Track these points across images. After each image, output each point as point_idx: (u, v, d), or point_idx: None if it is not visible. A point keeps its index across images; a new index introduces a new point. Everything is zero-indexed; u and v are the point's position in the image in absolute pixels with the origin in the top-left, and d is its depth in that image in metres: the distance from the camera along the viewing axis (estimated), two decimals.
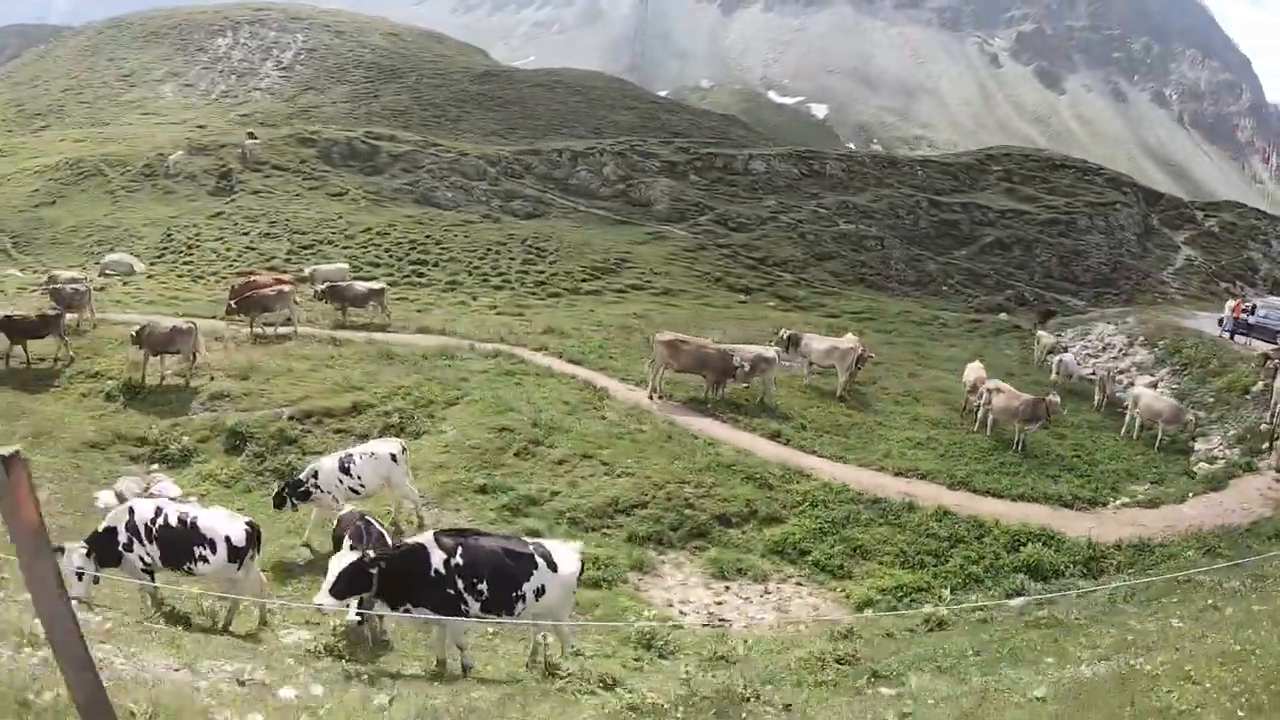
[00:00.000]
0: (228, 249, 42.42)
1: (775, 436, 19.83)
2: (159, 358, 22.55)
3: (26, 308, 25.77)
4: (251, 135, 58.37)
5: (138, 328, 22.99)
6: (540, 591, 9.23)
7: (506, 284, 37.70)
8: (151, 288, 35.73)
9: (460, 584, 8.79)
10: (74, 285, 29.06)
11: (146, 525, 10.55)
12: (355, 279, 33.04)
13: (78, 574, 10.08)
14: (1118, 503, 18.98)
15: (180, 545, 10.55)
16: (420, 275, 38.19)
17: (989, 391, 23.15)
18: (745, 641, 10.79)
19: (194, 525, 10.62)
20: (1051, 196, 61.86)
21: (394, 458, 15.02)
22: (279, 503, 14.48)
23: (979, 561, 15.31)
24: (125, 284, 36.09)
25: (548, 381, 21.68)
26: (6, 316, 23.78)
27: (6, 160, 64.24)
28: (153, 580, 10.71)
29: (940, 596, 13.41)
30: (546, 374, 22.28)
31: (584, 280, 38.60)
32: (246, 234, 44.52)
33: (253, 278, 30.91)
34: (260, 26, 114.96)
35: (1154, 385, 27.88)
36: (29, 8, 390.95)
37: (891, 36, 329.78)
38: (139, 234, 45.15)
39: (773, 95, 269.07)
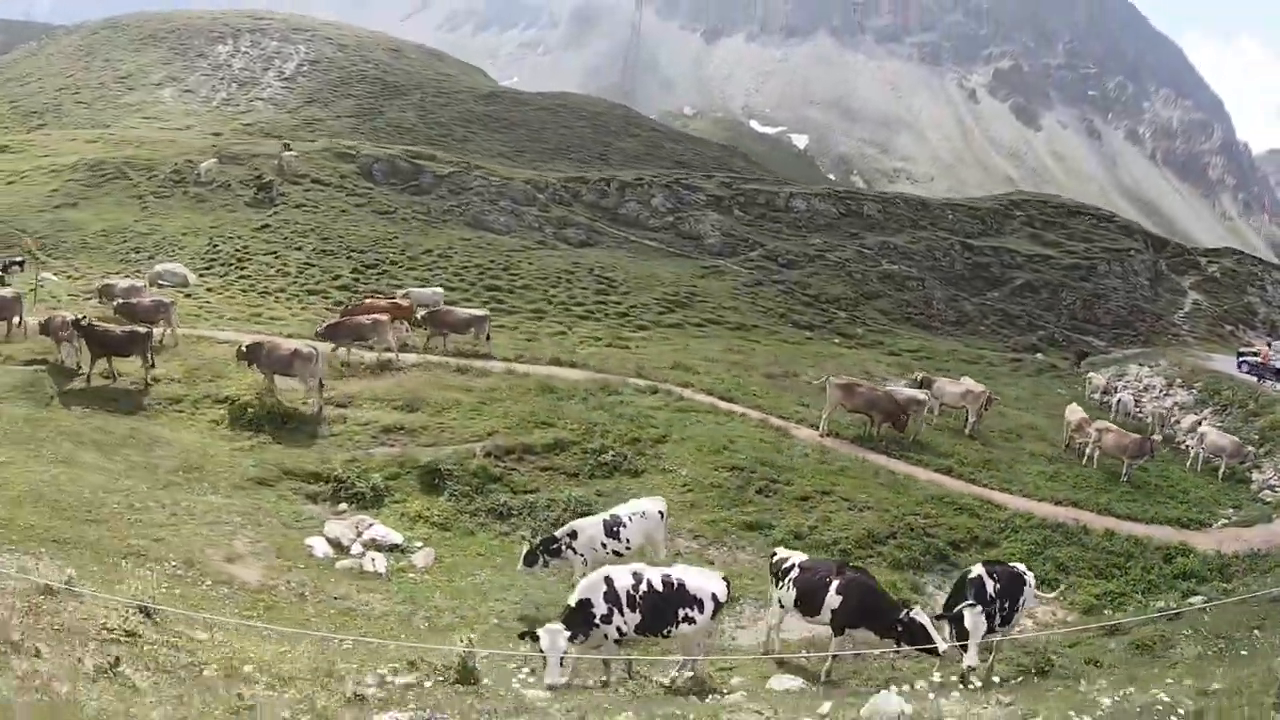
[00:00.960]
0: (284, 264, 42.55)
1: (949, 472, 21.66)
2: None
3: (103, 319, 25.19)
4: (287, 146, 59.02)
5: (247, 344, 22.81)
6: (1023, 605, 10.99)
7: (590, 315, 38.48)
8: (219, 302, 35.77)
9: (997, 605, 10.51)
10: (155, 298, 28.52)
11: (629, 593, 10.35)
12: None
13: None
14: (1219, 523, 21.68)
15: (666, 609, 10.45)
16: (500, 302, 38.61)
17: (1099, 431, 25.48)
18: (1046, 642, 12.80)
19: (681, 587, 10.53)
20: (1071, 242, 64.67)
21: (661, 515, 15.10)
22: (531, 560, 14.34)
23: (1150, 571, 17.84)
24: (187, 296, 35.67)
25: (724, 420, 22.70)
26: (90, 325, 22.80)
27: (17, 158, 64.33)
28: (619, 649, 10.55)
29: (1136, 598, 15.98)
30: (716, 411, 23.30)
31: (662, 313, 39.76)
32: (299, 249, 44.90)
33: (366, 300, 30.81)
34: (261, 36, 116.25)
35: (1199, 423, 30.54)
36: (12, 4, 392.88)
37: (872, 70, 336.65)
38: (179, 242, 45.48)
39: (754, 124, 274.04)
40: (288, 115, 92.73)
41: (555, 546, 14.29)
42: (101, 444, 18.90)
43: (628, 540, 14.48)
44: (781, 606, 12.28)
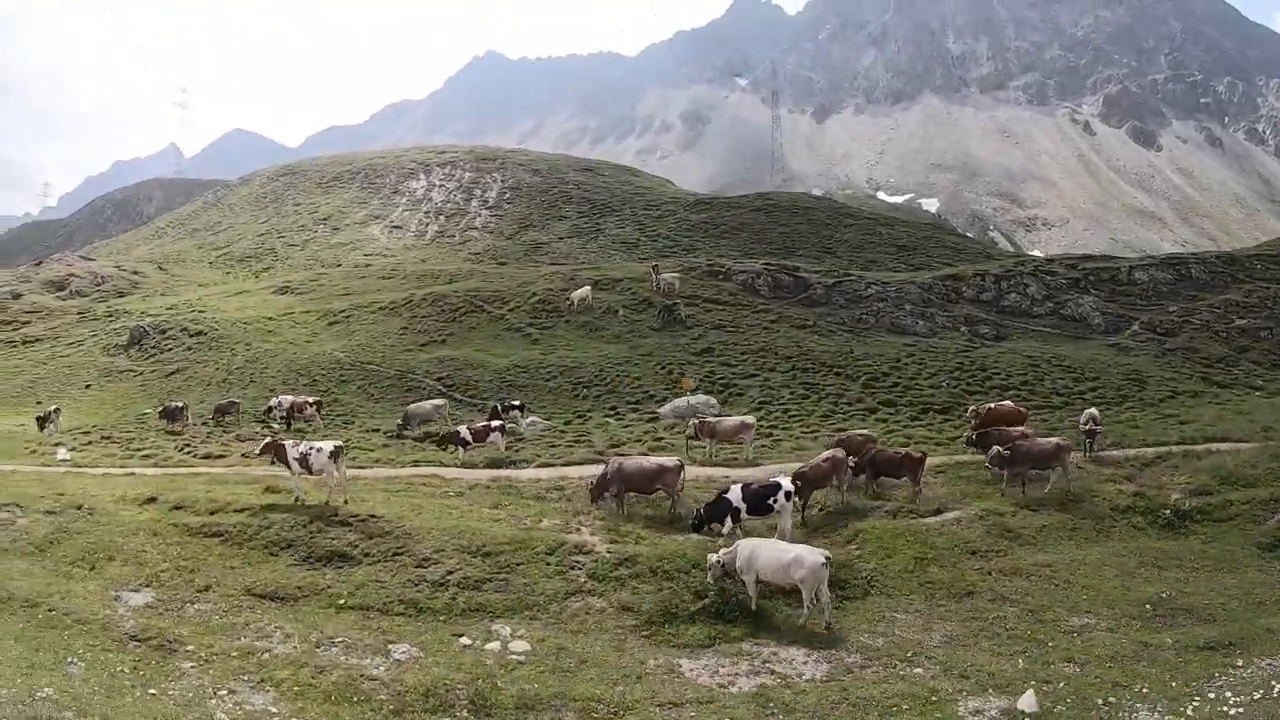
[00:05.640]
0: (789, 387, 45.02)
1: None
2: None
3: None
4: (655, 268, 62.11)
5: (1005, 450, 25.35)
6: None
7: (1098, 401, 42.44)
8: (796, 426, 37.81)
9: None
10: (739, 418, 32.19)
11: None
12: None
13: None
14: None
15: None
16: (1025, 399, 41.98)
17: None
18: None
19: None
20: None
21: None
22: None
23: None
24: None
25: None
26: (877, 453, 25.70)
27: (313, 299, 70.16)
28: None
29: None
30: None
31: (1137, 391, 46.61)
32: (774, 369, 47.66)
33: (993, 408, 32.82)
34: (452, 168, 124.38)
35: None
36: (161, 162, 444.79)
37: (983, 121, 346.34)
38: (621, 372, 47.99)
39: (883, 195, 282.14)
40: (509, 241, 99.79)
41: None
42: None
43: None
44: None
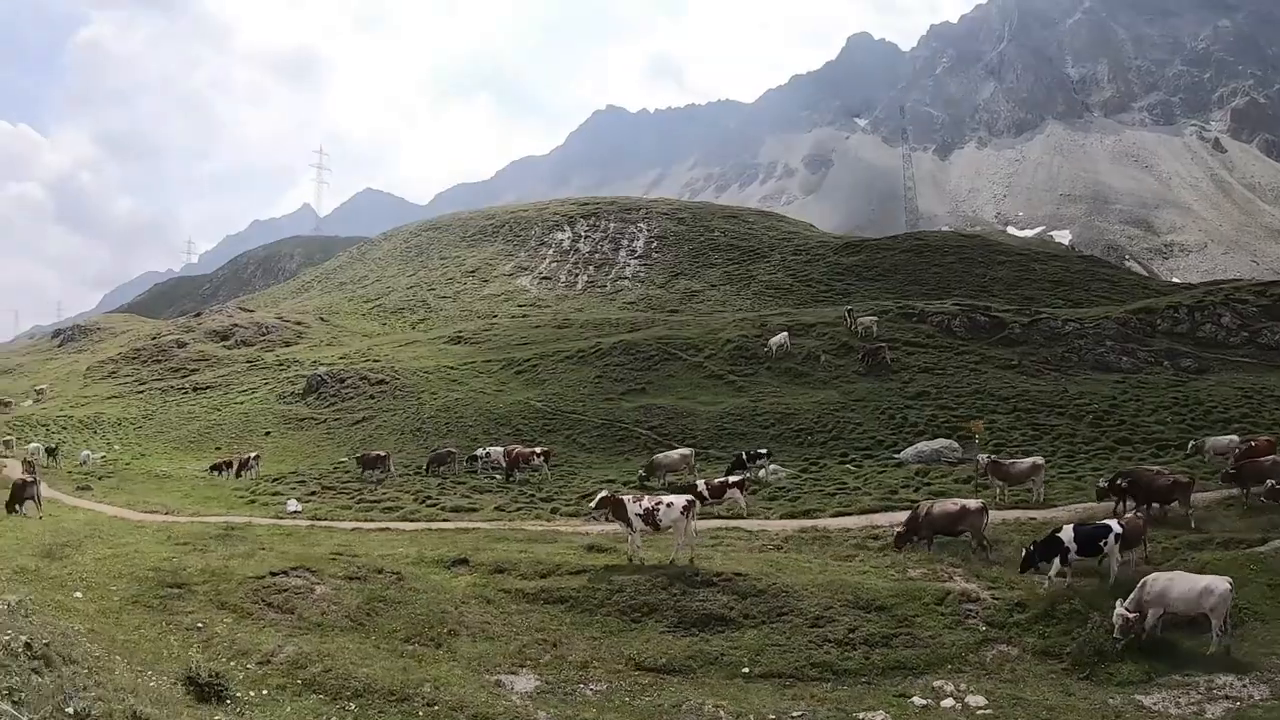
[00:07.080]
0: (1023, 433, 43.38)
1: None
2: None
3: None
4: (850, 312, 62.96)
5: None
6: None
7: None
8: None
9: None
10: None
11: None
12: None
13: None
14: None
15: None
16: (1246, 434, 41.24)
17: None
18: None
19: None
20: None
21: None
22: None
23: None
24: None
25: None
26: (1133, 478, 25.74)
27: (490, 348, 71.22)
28: None
29: None
30: None
31: None
32: (994, 411, 46.45)
33: (1254, 443, 32.08)
34: (596, 220, 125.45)
35: None
36: (300, 221, 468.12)
37: (1109, 146, 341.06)
38: (842, 419, 47.47)
39: (1012, 230, 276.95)
40: (661, 290, 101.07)
41: None
42: None
43: None
44: None
